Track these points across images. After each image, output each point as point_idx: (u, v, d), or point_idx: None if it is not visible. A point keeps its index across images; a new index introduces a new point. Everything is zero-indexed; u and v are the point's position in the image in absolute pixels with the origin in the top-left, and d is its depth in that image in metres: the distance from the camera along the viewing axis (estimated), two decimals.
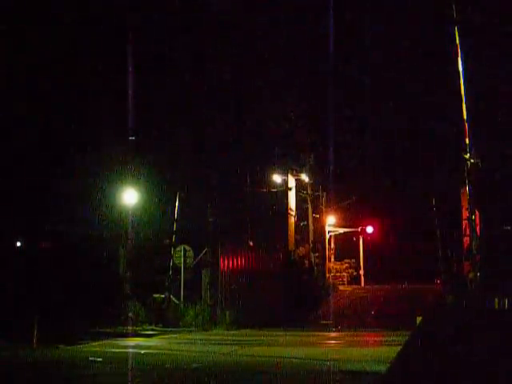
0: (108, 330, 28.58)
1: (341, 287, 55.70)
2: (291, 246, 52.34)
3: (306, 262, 53.48)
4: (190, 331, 30.55)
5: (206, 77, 39.16)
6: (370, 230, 62.76)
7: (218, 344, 25.12)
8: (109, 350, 22.53)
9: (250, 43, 42.91)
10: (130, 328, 30.22)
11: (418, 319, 20.11)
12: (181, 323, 32.23)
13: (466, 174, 42.45)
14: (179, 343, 25.70)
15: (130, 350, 22.21)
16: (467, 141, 38.37)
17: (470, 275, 39.36)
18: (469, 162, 40.46)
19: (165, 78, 38.93)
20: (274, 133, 47.54)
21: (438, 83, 41.45)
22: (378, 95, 49.88)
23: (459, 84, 34.33)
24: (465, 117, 33.83)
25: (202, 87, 39.09)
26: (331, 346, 25.97)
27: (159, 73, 38.79)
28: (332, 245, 62.57)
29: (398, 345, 11.42)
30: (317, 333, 29.78)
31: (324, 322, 34.42)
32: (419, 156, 52.84)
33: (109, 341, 25.47)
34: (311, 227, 54.78)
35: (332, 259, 61.83)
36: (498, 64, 33.90)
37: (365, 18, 46.36)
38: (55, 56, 36.89)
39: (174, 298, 33.40)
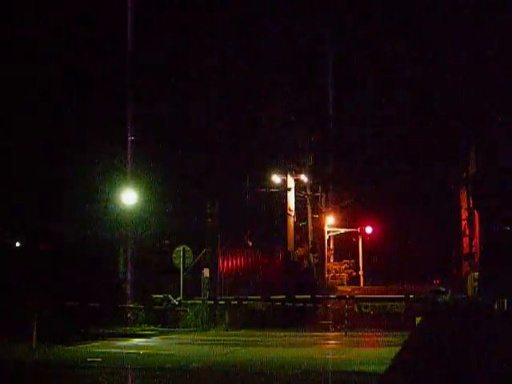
0: (107, 331, 28.57)
1: (340, 288, 55.66)
2: (290, 246, 52.36)
3: (306, 262, 53.50)
4: (190, 331, 30.54)
5: (206, 77, 39.16)
6: (369, 230, 62.75)
7: (218, 344, 25.13)
8: (108, 350, 22.52)
9: (250, 43, 42.92)
10: (129, 328, 30.23)
11: (417, 319, 20.13)
12: (180, 323, 32.22)
13: (465, 175, 42.53)
14: (178, 343, 25.70)
15: (129, 351, 22.20)
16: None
17: (469, 275, 39.39)
18: (469, 163, 40.51)
19: (165, 79, 38.92)
20: (274, 133, 47.53)
21: (441, 84, 41.51)
22: (378, 95, 49.86)
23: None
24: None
25: (202, 87, 39.09)
26: (330, 346, 25.98)
27: (159, 73, 38.77)
28: (331, 245, 62.58)
29: (398, 345, 11.43)
30: (316, 333, 29.78)
31: (323, 322, 34.41)
32: (419, 156, 52.83)
33: (108, 341, 25.47)
34: (310, 227, 54.81)
35: (331, 259, 61.84)
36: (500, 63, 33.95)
37: (366, 17, 46.32)
38: (55, 55, 36.89)
39: (173, 299, 33.39)
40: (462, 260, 45.56)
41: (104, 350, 22.15)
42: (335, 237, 63.02)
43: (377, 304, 36.49)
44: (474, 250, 41.25)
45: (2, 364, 18.90)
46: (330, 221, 60.19)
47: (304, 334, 29.54)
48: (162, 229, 37.61)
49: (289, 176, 51.87)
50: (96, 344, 24.21)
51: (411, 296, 33.37)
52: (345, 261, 61.59)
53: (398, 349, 8.33)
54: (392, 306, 35.77)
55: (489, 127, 34.90)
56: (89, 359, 19.22)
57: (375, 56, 47.28)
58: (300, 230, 55.71)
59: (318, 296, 38.60)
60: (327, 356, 20.86)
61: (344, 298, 36.21)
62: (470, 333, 7.83)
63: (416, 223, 60.94)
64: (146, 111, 37.54)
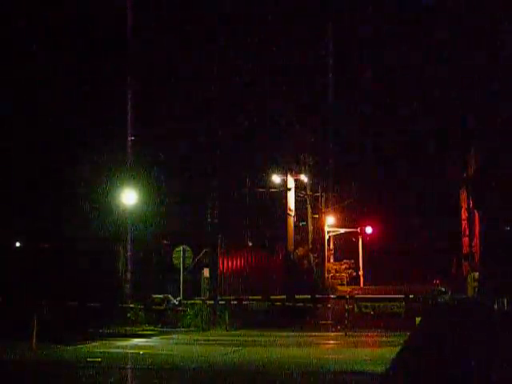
0: (107, 331, 28.58)
1: (340, 288, 55.64)
2: (290, 246, 52.35)
3: (305, 262, 53.47)
4: (190, 331, 30.54)
5: (205, 77, 39.18)
6: (369, 230, 62.72)
7: (217, 344, 25.13)
8: (108, 350, 22.53)
9: (250, 43, 42.93)
10: (129, 328, 30.21)
11: (417, 319, 20.12)
12: (180, 324, 32.21)
13: (465, 175, 42.54)
14: (178, 344, 25.69)
15: (129, 351, 22.20)
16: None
17: (469, 275, 39.38)
18: (469, 163, 40.52)
19: (164, 78, 38.94)
20: (274, 133, 47.56)
21: (440, 84, 41.50)
22: (378, 95, 49.89)
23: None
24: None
25: (201, 87, 39.11)
26: (330, 346, 25.98)
27: (160, 72, 38.80)
28: (331, 245, 62.56)
29: (398, 345, 11.42)
30: (316, 333, 29.78)
31: (323, 322, 34.41)
32: (419, 156, 52.86)
33: (108, 341, 25.47)
34: (310, 227, 54.79)
35: (331, 259, 61.81)
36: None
37: (367, 16, 46.33)
38: (55, 55, 36.91)
39: (173, 299, 33.38)
40: (462, 260, 45.54)
41: (104, 350, 22.15)
42: (335, 237, 63.00)
43: (377, 304, 36.51)
44: (473, 249, 41.23)
45: (2, 364, 18.90)
46: (330, 221, 60.16)
47: (304, 333, 29.53)
48: (161, 229, 37.61)
49: (289, 176, 51.87)
50: (96, 344, 24.21)
51: (411, 296, 33.34)
52: (345, 261, 61.54)
53: (397, 349, 8.33)
54: (392, 306, 35.78)
55: (489, 127, 34.90)
56: (89, 359, 19.21)
57: (376, 55, 47.30)
58: (300, 229, 55.70)
59: (317, 296, 38.58)
60: (327, 356, 20.87)
61: (344, 298, 36.20)
62: (469, 333, 7.82)
63: (416, 223, 60.97)
64: (146, 111, 37.56)
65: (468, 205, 42.40)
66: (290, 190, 52.21)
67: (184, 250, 33.79)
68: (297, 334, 29.38)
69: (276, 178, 50.93)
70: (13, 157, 36.16)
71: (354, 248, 63.04)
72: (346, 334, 28.36)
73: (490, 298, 25.90)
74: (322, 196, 57.17)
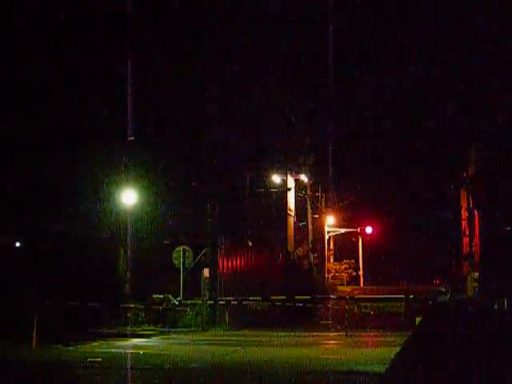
0: (107, 331, 28.59)
1: (340, 288, 55.64)
2: (290, 246, 52.35)
3: (305, 262, 53.48)
4: (190, 331, 30.55)
5: (205, 76, 39.15)
6: (369, 230, 62.68)
7: (217, 344, 25.13)
8: (108, 350, 22.54)
9: (249, 43, 42.92)
10: (129, 328, 30.21)
11: (417, 319, 20.12)
12: (180, 323, 32.22)
13: (465, 175, 42.53)
14: (178, 344, 25.71)
15: (129, 351, 22.21)
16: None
17: (469, 275, 39.39)
18: (469, 163, 40.51)
19: (164, 79, 38.93)
20: (274, 133, 47.55)
21: (440, 83, 41.50)
22: (378, 94, 49.88)
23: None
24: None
25: (201, 86, 39.09)
26: (330, 346, 25.99)
27: (158, 73, 38.79)
28: (331, 245, 62.55)
29: (398, 345, 11.40)
30: (316, 333, 29.78)
31: (323, 322, 34.42)
32: (419, 156, 52.84)
33: (108, 341, 25.48)
34: (310, 227, 54.78)
35: (331, 260, 61.80)
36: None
37: (366, 14, 46.29)
38: (55, 55, 36.90)
39: (173, 299, 33.39)
40: (462, 260, 45.53)
41: (104, 350, 22.16)
42: (335, 237, 62.97)
43: (376, 304, 36.55)
44: (473, 249, 41.21)
45: (3, 364, 18.90)
46: (330, 221, 60.13)
47: (304, 334, 29.53)
48: (162, 229, 37.60)
49: (289, 176, 51.86)
50: (96, 344, 24.23)
51: (411, 296, 33.36)
52: (345, 261, 61.54)
53: (397, 349, 8.32)
54: (392, 306, 35.81)
55: (489, 127, 34.92)
56: (89, 359, 19.21)
57: (376, 55, 47.28)
58: (300, 229, 55.68)
59: (318, 296, 38.60)
60: (327, 356, 20.87)
61: (344, 298, 36.20)
62: (469, 333, 7.83)
63: (416, 223, 60.95)
64: (146, 111, 37.56)
65: (468, 205, 42.38)
66: (290, 190, 52.21)
67: (184, 250, 33.77)
68: (297, 334, 29.39)
69: (276, 178, 50.92)
70: (13, 157, 36.14)
71: (354, 248, 63.03)
72: (346, 334, 28.36)
73: (490, 298, 25.94)
74: (322, 196, 57.16)
